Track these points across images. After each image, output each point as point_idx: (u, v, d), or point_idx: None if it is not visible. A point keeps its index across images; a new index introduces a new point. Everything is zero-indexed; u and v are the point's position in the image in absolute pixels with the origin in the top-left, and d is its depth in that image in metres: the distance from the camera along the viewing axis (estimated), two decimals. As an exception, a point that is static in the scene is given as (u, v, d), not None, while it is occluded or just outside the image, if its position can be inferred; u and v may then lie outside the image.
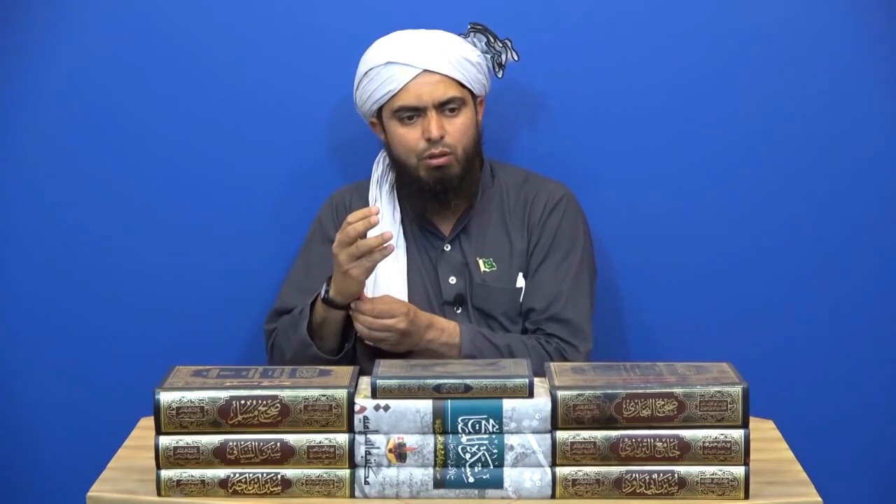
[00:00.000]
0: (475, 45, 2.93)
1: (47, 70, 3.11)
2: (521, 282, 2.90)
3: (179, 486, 2.18)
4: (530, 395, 2.17)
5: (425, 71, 2.83)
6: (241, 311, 3.15)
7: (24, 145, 3.13)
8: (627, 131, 3.12)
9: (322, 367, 2.31)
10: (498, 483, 2.17)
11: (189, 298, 3.15)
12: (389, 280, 2.88)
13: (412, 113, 2.84)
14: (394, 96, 2.84)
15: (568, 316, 2.84)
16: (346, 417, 2.17)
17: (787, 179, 3.12)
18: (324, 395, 2.17)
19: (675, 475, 2.16)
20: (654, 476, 2.16)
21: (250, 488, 2.18)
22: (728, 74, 3.10)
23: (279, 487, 2.18)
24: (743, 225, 3.13)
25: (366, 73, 2.86)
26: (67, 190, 3.13)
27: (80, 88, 3.11)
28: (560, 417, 2.16)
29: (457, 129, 2.85)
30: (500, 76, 2.96)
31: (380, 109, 2.88)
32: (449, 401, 2.17)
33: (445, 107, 2.84)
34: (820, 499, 2.18)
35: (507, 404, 2.17)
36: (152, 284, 3.15)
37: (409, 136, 2.85)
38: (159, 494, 2.18)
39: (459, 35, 2.91)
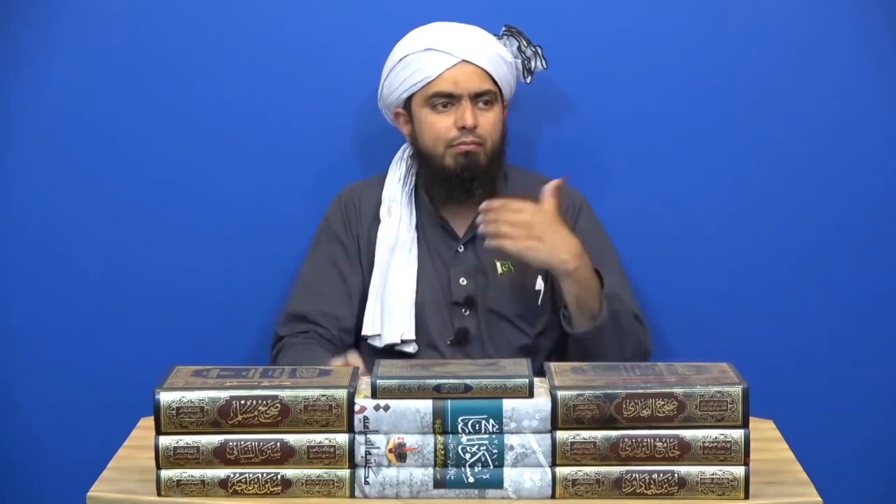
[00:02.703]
0: (507, 47, 2.94)
1: (57, 69, 3.10)
2: (540, 283, 2.90)
3: (179, 486, 2.18)
4: (530, 395, 2.17)
5: (464, 61, 2.84)
6: (241, 312, 3.15)
7: (27, 145, 3.13)
8: (626, 131, 3.12)
9: (322, 367, 2.31)
10: (498, 483, 2.17)
11: (189, 298, 3.16)
12: (399, 282, 2.88)
13: (447, 100, 2.84)
14: (429, 83, 2.84)
15: (636, 311, 2.86)
16: (346, 417, 2.17)
17: (786, 180, 3.13)
18: (324, 395, 2.17)
19: (675, 475, 2.16)
20: (654, 476, 2.16)
21: (250, 488, 2.18)
22: (728, 77, 3.10)
23: (279, 487, 2.18)
24: (743, 225, 3.14)
25: (401, 59, 2.86)
26: (68, 189, 3.13)
27: (83, 85, 3.11)
28: (560, 417, 2.16)
29: (488, 122, 2.86)
30: (528, 82, 2.97)
31: (409, 98, 2.88)
32: (449, 401, 2.17)
33: (480, 98, 2.85)
34: (820, 499, 2.18)
35: (507, 404, 2.17)
36: (153, 284, 3.15)
37: (441, 124, 2.85)
38: (159, 494, 2.18)
39: (495, 35, 2.93)
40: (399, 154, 2.99)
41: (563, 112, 3.10)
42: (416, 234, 2.91)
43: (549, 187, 2.76)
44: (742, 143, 3.12)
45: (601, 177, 3.12)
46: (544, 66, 2.97)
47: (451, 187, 2.88)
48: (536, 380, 2.21)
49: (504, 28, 2.96)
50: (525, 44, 2.95)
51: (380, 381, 2.17)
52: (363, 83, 3.07)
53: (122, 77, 3.11)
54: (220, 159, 3.14)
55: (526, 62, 2.96)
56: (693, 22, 3.09)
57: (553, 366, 2.29)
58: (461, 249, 2.92)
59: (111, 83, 3.11)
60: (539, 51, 2.96)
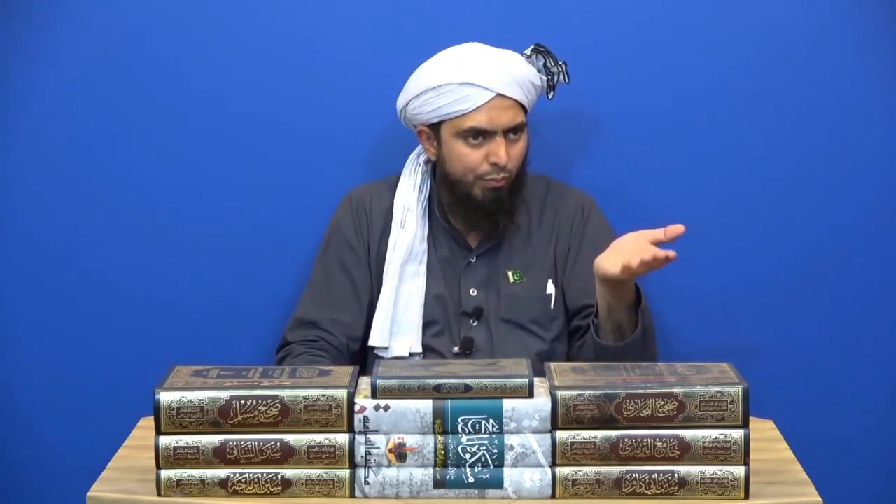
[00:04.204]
0: (534, 65, 2.90)
1: (58, 69, 3.10)
2: (550, 288, 2.90)
3: (179, 486, 2.18)
4: (530, 395, 2.17)
5: (499, 95, 2.81)
6: (242, 312, 3.15)
7: (27, 146, 3.12)
8: (628, 132, 3.12)
9: (322, 367, 2.31)
10: (498, 483, 2.17)
11: (190, 299, 3.15)
12: (410, 295, 2.88)
13: (480, 136, 2.82)
14: (463, 116, 2.82)
15: None
16: (346, 417, 2.17)
17: (786, 180, 3.13)
18: (324, 395, 2.17)
19: (675, 475, 2.16)
20: (654, 476, 2.16)
21: (250, 488, 2.18)
22: (728, 78, 3.10)
23: (279, 487, 2.18)
24: (743, 225, 3.13)
25: (436, 86, 2.82)
26: (69, 190, 3.13)
27: (85, 86, 3.11)
28: (560, 417, 2.16)
29: (517, 154, 2.85)
30: (550, 98, 2.94)
31: (438, 122, 2.86)
32: (449, 401, 2.17)
33: (511, 132, 2.83)
34: (820, 499, 2.18)
35: (507, 404, 2.17)
36: (153, 285, 3.15)
37: (473, 158, 2.83)
38: (159, 494, 2.18)
39: (521, 54, 2.89)
40: (413, 159, 2.97)
41: (567, 113, 3.10)
42: (427, 246, 2.91)
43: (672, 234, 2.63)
44: (742, 143, 3.12)
45: (602, 176, 3.12)
46: (567, 81, 2.94)
47: (476, 217, 2.88)
48: (536, 380, 2.21)
49: (534, 46, 2.91)
50: (552, 63, 2.91)
51: (380, 381, 2.17)
52: (369, 84, 3.07)
53: (125, 78, 3.11)
54: (225, 159, 3.13)
55: (551, 79, 2.92)
56: (692, 24, 3.09)
57: (553, 366, 2.29)
58: (473, 260, 2.92)
59: (114, 84, 3.11)
60: (564, 67, 2.92)
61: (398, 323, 2.87)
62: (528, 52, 2.91)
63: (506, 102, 2.82)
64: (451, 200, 2.89)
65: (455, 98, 2.82)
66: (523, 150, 2.87)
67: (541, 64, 2.91)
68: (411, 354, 2.87)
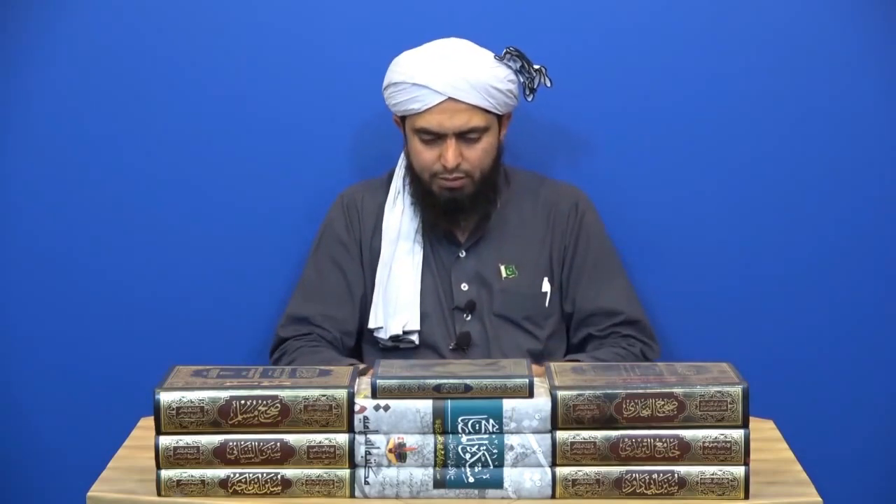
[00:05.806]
0: (510, 67, 2.86)
1: (58, 69, 3.10)
2: (546, 286, 2.90)
3: (179, 486, 2.18)
4: (530, 395, 2.17)
5: (450, 99, 2.80)
6: (241, 312, 3.15)
7: (27, 146, 3.13)
8: (627, 130, 3.12)
9: (322, 367, 2.31)
10: (498, 483, 2.18)
11: (189, 299, 3.15)
12: (400, 285, 2.88)
13: (432, 136, 2.83)
14: (417, 115, 2.82)
15: (638, 317, 2.90)
16: (346, 417, 2.17)
17: (786, 180, 3.13)
18: (324, 395, 2.17)
19: (675, 475, 2.16)
20: (654, 476, 2.16)
21: (250, 488, 2.18)
22: (727, 77, 3.10)
23: (279, 487, 2.18)
24: (743, 225, 3.13)
25: (395, 83, 2.84)
26: (69, 190, 3.13)
27: (84, 86, 3.11)
28: (560, 417, 2.16)
29: (476, 156, 2.84)
30: (529, 100, 2.91)
31: (403, 116, 2.87)
32: (449, 401, 2.17)
33: (467, 135, 2.82)
34: (820, 499, 2.18)
35: (507, 404, 2.17)
36: (153, 284, 3.15)
37: (427, 156, 2.84)
38: (159, 494, 2.19)
39: (495, 56, 2.86)
40: (402, 156, 2.98)
41: (564, 111, 3.10)
42: (420, 225, 2.91)
43: None
44: (742, 143, 3.12)
45: (602, 176, 3.12)
46: (549, 84, 2.90)
47: (435, 214, 2.88)
48: (536, 380, 2.21)
49: (506, 50, 2.88)
50: (528, 66, 2.87)
51: (380, 381, 2.17)
52: (363, 85, 3.06)
53: (123, 78, 3.11)
54: (221, 160, 3.13)
55: (529, 82, 2.89)
56: (692, 22, 3.09)
57: (553, 366, 2.29)
58: (462, 255, 2.92)
59: (112, 84, 3.11)
60: (544, 70, 2.89)
61: (393, 301, 2.87)
62: (501, 54, 2.88)
63: (458, 106, 2.80)
64: (419, 194, 2.89)
65: (409, 97, 2.82)
66: (485, 151, 2.85)
67: (518, 66, 2.88)
68: (406, 332, 2.86)
